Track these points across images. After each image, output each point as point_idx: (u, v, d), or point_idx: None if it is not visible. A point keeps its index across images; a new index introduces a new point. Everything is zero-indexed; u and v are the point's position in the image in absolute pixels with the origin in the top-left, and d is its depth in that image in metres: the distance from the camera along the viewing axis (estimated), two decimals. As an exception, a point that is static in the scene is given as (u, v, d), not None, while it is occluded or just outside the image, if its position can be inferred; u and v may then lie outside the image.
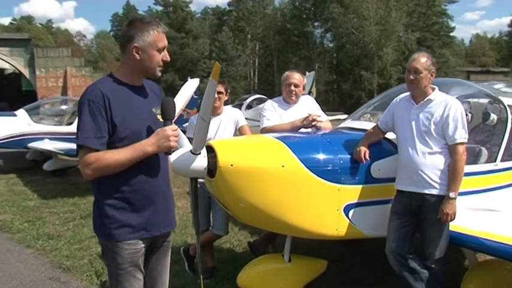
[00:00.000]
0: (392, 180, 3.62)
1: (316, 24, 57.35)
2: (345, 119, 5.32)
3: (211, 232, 4.53)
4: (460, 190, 3.99)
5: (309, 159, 3.46)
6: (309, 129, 4.30)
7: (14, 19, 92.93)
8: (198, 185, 3.35)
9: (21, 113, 11.20)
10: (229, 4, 71.82)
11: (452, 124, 3.37)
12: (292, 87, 4.47)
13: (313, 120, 4.25)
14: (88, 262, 5.14)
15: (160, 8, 57.07)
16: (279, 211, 3.44)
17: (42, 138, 10.85)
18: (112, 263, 2.52)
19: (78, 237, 6.09)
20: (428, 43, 49.33)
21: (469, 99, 4.95)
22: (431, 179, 3.40)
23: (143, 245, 2.53)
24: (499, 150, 4.36)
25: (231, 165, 3.33)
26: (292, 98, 4.51)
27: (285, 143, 3.52)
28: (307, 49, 57.48)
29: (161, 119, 2.51)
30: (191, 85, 15.26)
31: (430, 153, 3.41)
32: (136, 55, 2.44)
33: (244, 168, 3.36)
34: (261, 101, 24.64)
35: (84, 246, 5.73)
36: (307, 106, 4.57)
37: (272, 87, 56.69)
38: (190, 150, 3.68)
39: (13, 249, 5.76)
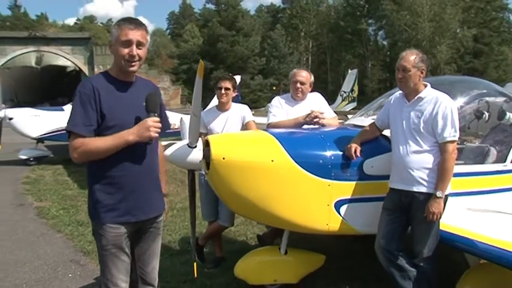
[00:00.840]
0: (386, 177, 3.61)
1: (370, 21, 56.22)
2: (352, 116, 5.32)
3: (217, 223, 4.69)
4: (464, 190, 3.97)
5: (299, 154, 3.53)
6: (313, 126, 4.35)
7: (78, 19, 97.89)
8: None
9: (68, 107, 11.87)
10: (283, 2, 72.03)
11: (441, 122, 3.32)
12: (299, 85, 4.54)
13: (316, 117, 4.30)
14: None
15: (212, 6, 58.09)
16: (269, 204, 3.53)
17: None
18: (98, 244, 2.71)
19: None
20: (486, 40, 47.15)
21: (486, 98, 4.82)
22: (420, 177, 3.37)
23: (126, 230, 2.69)
24: (509, 150, 4.22)
25: (223, 158, 3.46)
26: (299, 95, 4.57)
27: (276, 138, 3.61)
28: (361, 47, 56.50)
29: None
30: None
31: (419, 152, 3.37)
32: (110, 49, 2.69)
33: (235, 162, 3.48)
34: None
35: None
36: (314, 103, 4.62)
37: (325, 85, 56.22)
38: (187, 144, 3.88)
39: (45, 233, 6.20)
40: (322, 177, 3.55)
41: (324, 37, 62.32)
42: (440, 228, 3.47)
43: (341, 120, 5.88)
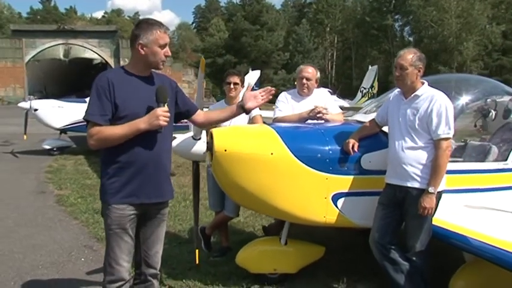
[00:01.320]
0: (384, 172, 3.70)
1: (396, 17, 55.45)
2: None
3: (223, 213, 4.85)
4: (463, 187, 4.03)
5: (297, 148, 3.66)
6: (317, 121, 4.46)
7: (105, 12, 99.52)
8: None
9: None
10: (310, -4, 71.69)
11: (435, 119, 3.39)
12: (304, 81, 4.65)
13: (319, 112, 4.40)
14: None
15: (237, 0, 58.20)
16: (268, 196, 3.68)
17: None
18: (104, 224, 2.93)
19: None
20: (516, 36, 45.92)
21: (493, 97, 4.84)
22: (413, 173, 3.45)
23: (132, 212, 2.88)
24: (512, 149, 4.25)
25: (225, 150, 3.62)
26: (304, 90, 4.68)
27: (277, 131, 3.74)
28: (386, 43, 55.82)
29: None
30: (252, 77, 15.66)
31: (414, 148, 3.46)
32: (142, 51, 2.85)
33: (236, 154, 3.63)
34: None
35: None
36: (320, 99, 4.72)
37: (350, 81, 55.88)
38: (192, 136, 4.05)
39: (63, 220, 6.48)
40: (320, 170, 3.67)
41: (349, 32, 61.81)
42: (435, 224, 3.55)
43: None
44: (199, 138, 3.88)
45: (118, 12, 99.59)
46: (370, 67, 18.44)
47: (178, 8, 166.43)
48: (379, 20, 53.82)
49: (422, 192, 3.41)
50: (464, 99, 4.65)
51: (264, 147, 3.65)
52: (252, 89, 12.71)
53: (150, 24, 2.87)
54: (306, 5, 75.99)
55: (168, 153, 3.05)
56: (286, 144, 3.63)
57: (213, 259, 4.87)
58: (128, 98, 2.82)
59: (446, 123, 3.39)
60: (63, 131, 12.38)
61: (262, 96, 3.21)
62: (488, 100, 4.84)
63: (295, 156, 3.63)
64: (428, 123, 3.43)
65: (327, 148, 3.72)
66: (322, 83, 50.99)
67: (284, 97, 4.78)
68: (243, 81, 4.85)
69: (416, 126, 3.45)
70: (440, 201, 3.52)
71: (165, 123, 2.81)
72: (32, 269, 4.65)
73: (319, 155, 3.68)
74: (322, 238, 4.81)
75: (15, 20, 74.25)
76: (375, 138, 3.85)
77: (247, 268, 4.18)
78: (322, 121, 4.50)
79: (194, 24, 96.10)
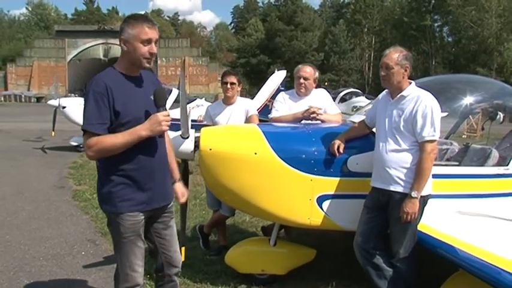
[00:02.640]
0: (371, 175, 3.61)
1: (435, 17, 53.95)
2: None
3: (219, 213, 4.85)
4: (458, 192, 3.87)
5: (281, 148, 3.61)
6: (311, 121, 4.40)
7: (146, 13, 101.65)
8: None
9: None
10: (348, -4, 70.91)
11: (420, 121, 3.27)
12: (302, 80, 4.59)
13: (313, 112, 4.34)
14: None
15: (267, 0, 58.17)
16: (252, 196, 3.65)
17: None
18: (116, 232, 2.80)
19: (130, 209, 6.81)
20: None
21: (501, 100, 4.65)
22: (397, 176, 3.34)
23: (143, 217, 2.81)
24: (513, 153, 4.06)
25: (210, 149, 3.63)
26: (302, 90, 4.62)
27: (262, 131, 3.72)
28: (425, 44, 54.43)
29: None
30: (278, 77, 15.56)
31: (398, 150, 3.34)
32: (124, 47, 2.71)
33: (221, 153, 3.63)
34: (354, 95, 24.33)
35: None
36: (317, 99, 4.66)
37: (387, 82, 54.59)
38: (180, 135, 4.06)
39: (74, 214, 6.67)
40: (304, 171, 3.62)
41: (387, 33, 60.62)
42: (423, 230, 3.42)
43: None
44: (188, 137, 3.89)
45: (158, 12, 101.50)
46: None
47: (218, 8, 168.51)
48: (417, 21, 52.45)
49: (405, 196, 3.30)
50: (468, 99, 4.49)
51: (247, 147, 3.63)
52: (278, 90, 12.84)
53: (135, 18, 2.72)
54: (344, 6, 75.15)
55: (166, 154, 2.98)
56: (270, 144, 3.60)
57: (209, 257, 4.88)
58: (127, 102, 2.68)
59: (432, 125, 3.26)
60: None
61: None
62: (495, 102, 4.64)
63: (279, 156, 3.59)
64: (413, 124, 3.31)
65: (312, 149, 3.66)
66: (359, 84, 50.58)
67: (282, 97, 4.74)
68: (240, 81, 4.84)
69: (401, 128, 3.34)
70: (425, 207, 3.39)
71: (167, 128, 2.74)
72: (33, 260, 4.80)
73: (303, 156, 3.63)
74: (319, 241, 4.76)
75: (61, 21, 77.30)
76: (363, 140, 3.75)
77: (235, 268, 4.18)
78: (318, 121, 4.45)
79: (232, 25, 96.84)
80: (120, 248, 2.83)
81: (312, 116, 4.35)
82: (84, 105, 2.66)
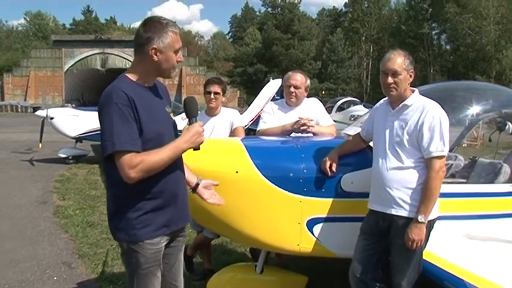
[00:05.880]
0: (368, 195, 3.19)
1: (433, 25, 53.88)
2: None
3: (202, 234, 4.44)
4: (466, 213, 3.46)
5: (266, 165, 3.20)
6: (301, 134, 4.00)
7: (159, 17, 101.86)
8: None
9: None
10: (345, 5, 70.92)
11: (427, 134, 2.84)
12: (292, 89, 4.20)
13: (303, 124, 3.94)
14: (104, 251, 5.37)
15: (265, 9, 58.08)
16: (233, 219, 3.24)
17: None
18: (134, 263, 2.46)
19: (113, 227, 6.38)
20: (562, 44, 43.40)
21: (510, 109, 4.26)
22: (400, 198, 2.90)
23: (164, 243, 2.51)
24: (527, 169, 3.65)
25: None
26: (292, 99, 4.23)
27: (245, 146, 3.31)
28: (423, 52, 54.29)
29: (186, 117, 2.55)
30: (273, 86, 15.22)
31: (400, 168, 2.91)
32: (155, 56, 2.39)
33: (198, 171, 3.17)
34: (352, 104, 23.97)
35: (113, 236, 5.99)
36: (309, 109, 4.25)
37: (385, 90, 54.38)
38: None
39: (52, 233, 6.24)
40: (292, 192, 3.20)
41: (385, 41, 60.54)
42: (427, 259, 3.00)
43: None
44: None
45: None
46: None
47: (216, 17, 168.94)
48: (415, 29, 52.38)
49: (409, 221, 2.87)
50: (475, 109, 4.10)
51: (228, 164, 3.22)
52: (273, 99, 12.37)
53: (165, 24, 2.40)
54: (342, 14, 75.18)
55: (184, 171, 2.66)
56: (253, 161, 3.19)
57: (193, 282, 4.47)
58: (149, 117, 2.38)
59: (441, 139, 2.84)
60: (78, 139, 12.31)
61: None
62: (504, 111, 4.25)
63: (264, 175, 3.17)
64: (418, 138, 2.88)
65: (301, 166, 3.25)
66: (357, 93, 50.33)
67: (270, 108, 4.34)
68: (224, 90, 4.45)
69: (405, 142, 2.91)
70: (432, 231, 2.97)
71: (204, 139, 2.49)
72: (-3, 289, 4.38)
73: (291, 174, 3.21)
74: (313, 263, 4.34)
75: (59, 31, 77.25)
76: (358, 156, 3.33)
77: (218, 298, 3.75)
78: (310, 134, 4.05)
79: (230, 34, 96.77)
80: (138, 281, 2.49)
81: (302, 128, 3.94)
82: (104, 120, 2.29)
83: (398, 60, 2.96)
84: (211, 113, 4.42)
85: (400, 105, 3.00)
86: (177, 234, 2.63)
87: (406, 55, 3.01)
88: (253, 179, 3.18)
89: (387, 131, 3.02)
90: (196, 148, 2.47)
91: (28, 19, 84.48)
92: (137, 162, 2.25)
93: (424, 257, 3.00)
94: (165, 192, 2.43)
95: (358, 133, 3.40)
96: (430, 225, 2.94)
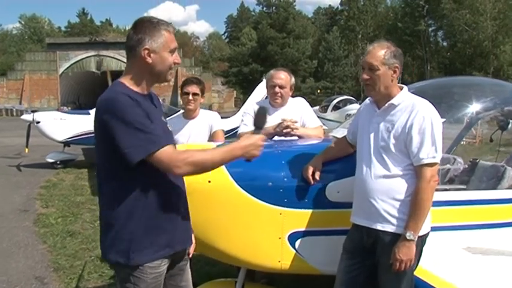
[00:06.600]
0: (355, 206, 2.86)
1: (429, 22, 53.63)
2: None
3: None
4: (464, 223, 3.14)
5: (242, 174, 2.87)
6: (291, 137, 3.69)
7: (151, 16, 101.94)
8: None
9: (94, 111, 11.78)
10: (341, 3, 70.63)
11: (417, 138, 2.50)
12: (277, 89, 3.88)
13: (287, 127, 3.62)
14: (82, 264, 5.06)
15: (260, 8, 57.72)
16: (206, 233, 2.89)
17: None
18: None
19: (94, 236, 6.06)
20: (559, 38, 43.16)
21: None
22: (385, 211, 2.56)
23: (166, 266, 2.29)
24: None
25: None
26: (277, 100, 3.91)
27: (219, 153, 2.97)
28: (420, 49, 54.04)
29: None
30: (265, 86, 14.94)
31: (386, 176, 2.56)
32: (148, 58, 2.18)
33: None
34: (348, 102, 23.66)
35: (93, 246, 5.68)
36: (295, 110, 3.94)
37: (383, 88, 54.13)
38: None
39: (29, 244, 5.93)
40: (271, 203, 2.87)
41: (381, 39, 60.28)
42: (420, 277, 2.68)
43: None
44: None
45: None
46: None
47: (212, 18, 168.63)
48: (411, 26, 52.08)
49: (397, 238, 2.53)
50: (475, 107, 3.79)
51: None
52: (265, 98, 11.54)
53: (157, 23, 2.20)
54: (338, 12, 74.93)
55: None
56: (227, 169, 2.85)
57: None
58: (153, 125, 2.17)
59: (432, 143, 2.49)
60: (66, 143, 11.97)
61: None
62: (506, 109, 3.92)
63: (239, 184, 2.85)
64: (407, 143, 2.54)
65: (281, 174, 2.92)
66: (354, 91, 50.09)
67: (252, 109, 4.01)
68: (203, 91, 4.13)
69: (391, 147, 2.57)
70: (423, 247, 2.64)
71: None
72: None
73: (270, 184, 2.88)
74: (298, 277, 4.01)
75: (54, 34, 76.87)
76: (345, 162, 2.98)
77: (196, 318, 3.41)
78: (295, 137, 3.73)
79: (226, 34, 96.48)
80: None
81: (285, 131, 3.63)
82: (117, 127, 2.06)
83: (378, 53, 2.59)
84: (189, 115, 4.10)
85: (386, 105, 2.64)
86: (180, 255, 2.40)
87: (389, 47, 2.64)
88: (227, 190, 2.85)
89: (372, 135, 2.67)
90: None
91: (23, 22, 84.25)
92: (186, 155, 2.15)
93: (416, 274, 2.67)
94: (168, 207, 2.24)
95: (345, 136, 3.06)
96: (422, 241, 2.59)
